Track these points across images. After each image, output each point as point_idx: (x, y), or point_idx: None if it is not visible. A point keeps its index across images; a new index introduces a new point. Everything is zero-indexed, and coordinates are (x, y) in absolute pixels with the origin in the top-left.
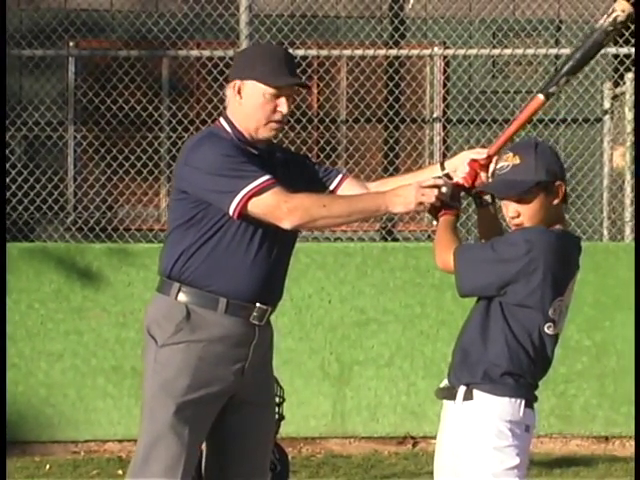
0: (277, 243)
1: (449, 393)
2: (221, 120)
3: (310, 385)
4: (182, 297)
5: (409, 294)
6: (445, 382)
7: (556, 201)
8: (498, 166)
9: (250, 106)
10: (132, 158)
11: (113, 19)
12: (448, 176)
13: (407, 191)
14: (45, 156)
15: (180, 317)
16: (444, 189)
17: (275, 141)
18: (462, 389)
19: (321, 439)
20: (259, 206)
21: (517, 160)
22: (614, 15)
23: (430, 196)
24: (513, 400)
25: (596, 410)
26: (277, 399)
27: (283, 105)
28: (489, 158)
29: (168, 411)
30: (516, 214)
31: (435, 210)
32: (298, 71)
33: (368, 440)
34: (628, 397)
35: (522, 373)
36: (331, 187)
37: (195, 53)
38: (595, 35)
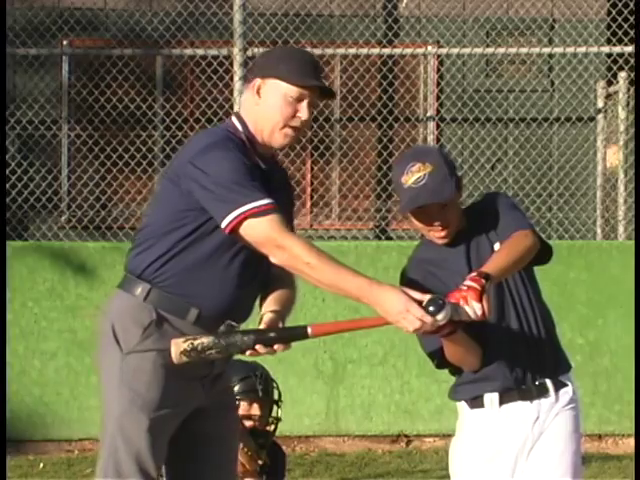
0: (258, 260)
1: (528, 393)
2: (233, 119)
3: (304, 384)
4: (151, 299)
5: None
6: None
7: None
8: (412, 179)
9: (269, 106)
10: (126, 156)
11: (107, 17)
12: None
13: (395, 301)
14: (39, 154)
15: (148, 321)
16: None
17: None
18: (549, 382)
19: (315, 437)
20: (252, 229)
21: (429, 167)
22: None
23: (413, 322)
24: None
25: (589, 408)
26: (275, 402)
27: (304, 110)
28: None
29: (142, 427)
30: (445, 223)
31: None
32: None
33: (362, 438)
34: (621, 395)
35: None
36: None
37: (189, 52)
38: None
